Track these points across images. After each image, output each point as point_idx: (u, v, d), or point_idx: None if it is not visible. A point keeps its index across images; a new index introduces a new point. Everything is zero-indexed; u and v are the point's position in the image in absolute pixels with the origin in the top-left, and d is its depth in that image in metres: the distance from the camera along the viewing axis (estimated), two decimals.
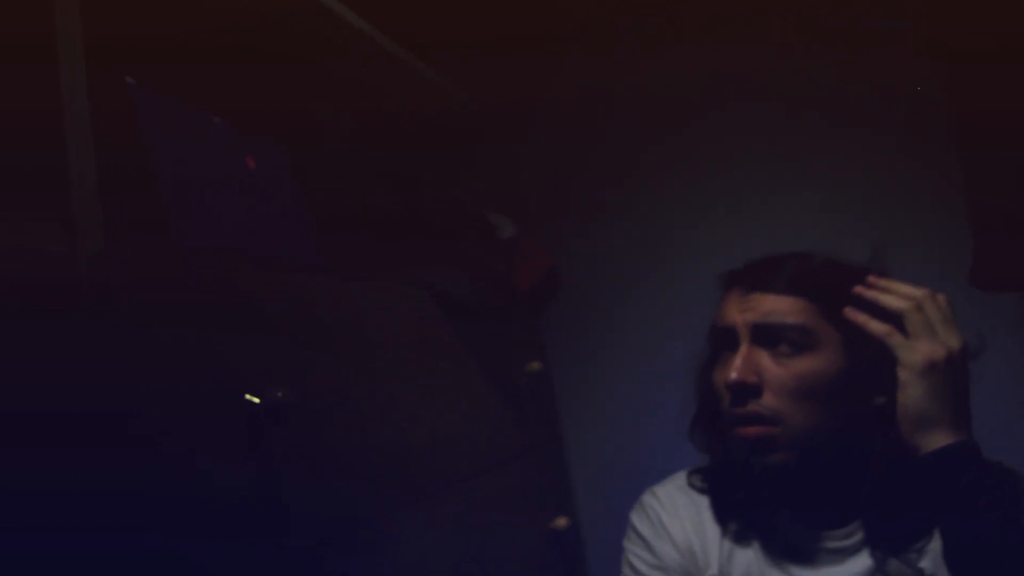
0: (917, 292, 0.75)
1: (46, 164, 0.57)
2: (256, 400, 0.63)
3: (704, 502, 0.91)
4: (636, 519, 0.95)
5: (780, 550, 0.85)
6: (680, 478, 0.95)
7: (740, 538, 0.88)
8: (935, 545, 0.78)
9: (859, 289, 0.78)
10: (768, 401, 0.78)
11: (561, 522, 1.27)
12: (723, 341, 0.84)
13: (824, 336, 0.79)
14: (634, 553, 0.93)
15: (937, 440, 0.72)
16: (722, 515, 0.89)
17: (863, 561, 0.81)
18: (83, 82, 0.60)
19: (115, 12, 0.75)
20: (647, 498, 0.95)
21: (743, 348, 0.81)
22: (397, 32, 1.21)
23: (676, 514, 0.91)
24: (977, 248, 1.14)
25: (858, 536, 0.82)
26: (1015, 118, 1.10)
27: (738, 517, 0.88)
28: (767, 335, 0.80)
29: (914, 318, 0.74)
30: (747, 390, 0.79)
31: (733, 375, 0.79)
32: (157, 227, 0.68)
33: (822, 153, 1.34)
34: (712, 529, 0.89)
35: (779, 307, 0.80)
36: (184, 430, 0.59)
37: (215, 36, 0.94)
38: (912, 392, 0.72)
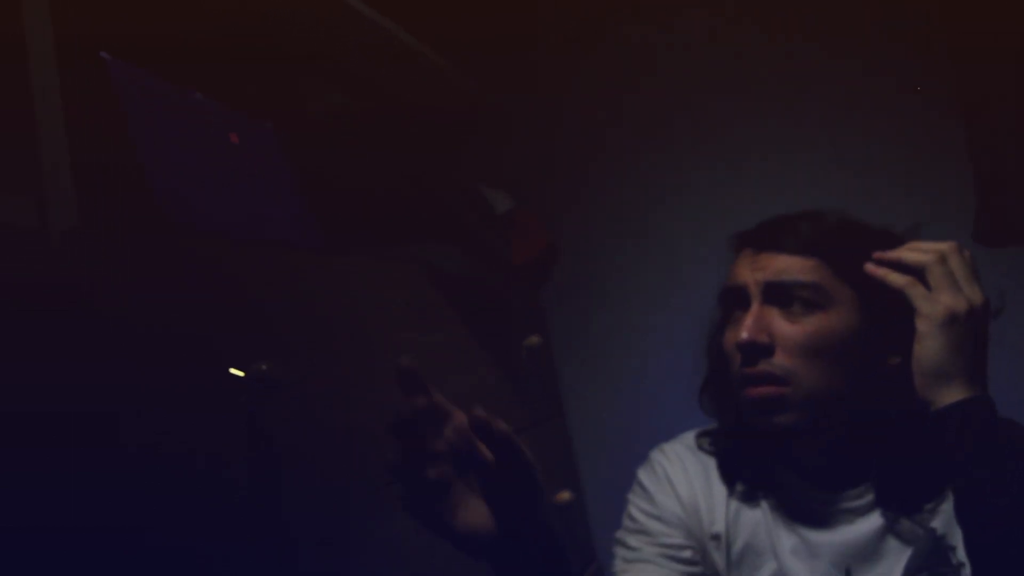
0: (942, 246, 0.73)
1: (16, 140, 0.56)
2: (241, 374, 0.63)
3: (711, 462, 0.90)
4: (642, 473, 0.94)
5: (789, 510, 0.84)
6: (688, 438, 0.94)
7: (747, 498, 0.87)
8: (947, 506, 0.77)
9: (879, 254, 0.77)
10: (780, 360, 0.77)
11: (565, 496, 1.27)
12: (734, 301, 0.83)
13: (838, 295, 0.77)
14: (635, 504, 0.92)
15: (952, 395, 0.70)
16: (729, 475, 0.88)
17: (874, 521, 0.80)
18: (52, 57, 0.58)
19: None
20: (655, 454, 0.95)
21: (754, 307, 0.79)
22: (392, 14, 1.19)
23: (683, 470, 0.91)
24: (981, 205, 1.12)
25: (869, 497, 0.80)
26: (1018, 73, 1.08)
27: (745, 478, 0.87)
28: (779, 294, 0.79)
29: (937, 270, 0.72)
30: (758, 350, 0.77)
31: (744, 334, 0.77)
32: (137, 204, 0.67)
33: (822, 111, 1.32)
34: (719, 489, 0.88)
35: (792, 266, 0.78)
36: (172, 419, 0.58)
37: (198, 18, 0.92)
38: (930, 344, 0.71)
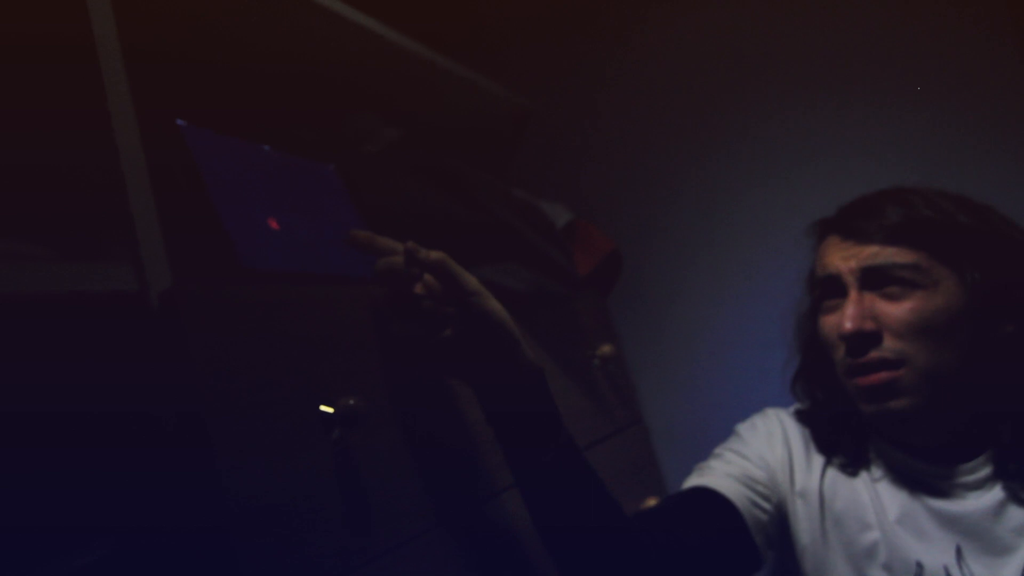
0: None
1: (111, 212, 0.61)
2: (330, 410, 0.66)
3: (809, 433, 0.90)
4: (740, 425, 0.96)
5: (895, 483, 0.83)
6: (790, 410, 0.95)
7: (847, 469, 0.86)
8: None
9: None
10: (889, 344, 0.76)
11: (651, 503, 1.27)
12: (827, 290, 0.82)
13: (936, 273, 0.76)
14: (724, 444, 0.93)
15: None
16: (828, 449, 0.88)
17: (989, 498, 0.77)
18: (136, 130, 0.63)
19: (156, 53, 0.79)
20: (758, 414, 0.96)
21: (852, 294, 0.78)
22: (431, 28, 1.22)
23: (781, 429, 0.91)
24: None
25: (983, 471, 0.78)
26: None
27: (846, 452, 0.86)
28: (876, 277, 0.77)
29: None
30: (865, 338, 0.76)
31: (848, 325, 0.76)
32: (221, 255, 0.72)
33: (881, 95, 1.28)
34: (817, 456, 0.88)
35: (884, 250, 0.77)
36: (269, 466, 0.62)
37: (251, 62, 0.98)
38: None
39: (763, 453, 0.89)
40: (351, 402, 0.66)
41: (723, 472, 0.87)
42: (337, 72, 1.13)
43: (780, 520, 0.87)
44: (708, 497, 0.84)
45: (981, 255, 0.76)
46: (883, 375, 0.76)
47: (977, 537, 0.77)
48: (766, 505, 0.85)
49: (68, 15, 0.63)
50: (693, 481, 0.88)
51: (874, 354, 0.76)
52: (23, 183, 0.62)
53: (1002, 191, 0.87)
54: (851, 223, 0.81)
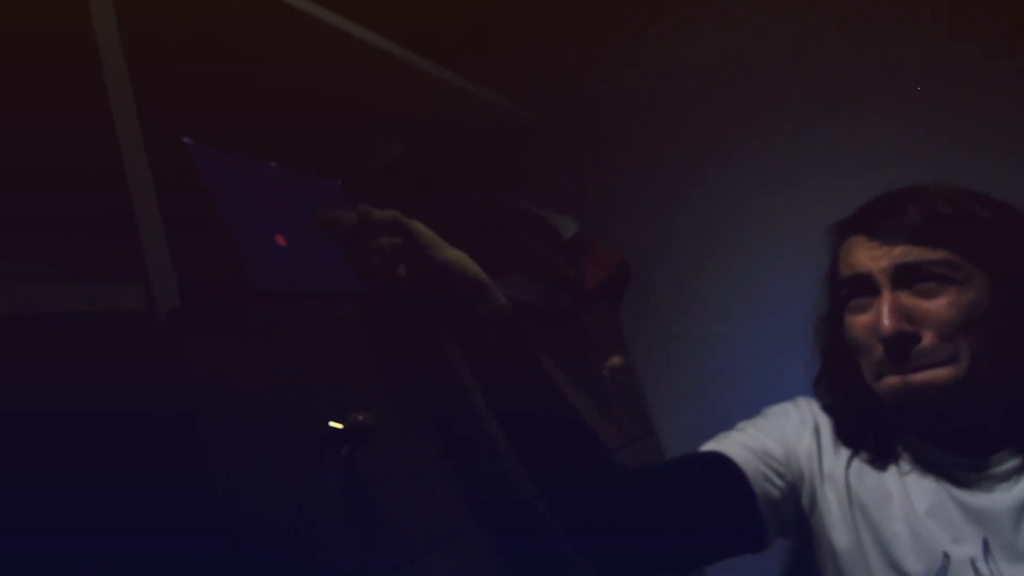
0: None
1: (118, 231, 0.61)
2: (340, 426, 0.65)
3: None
4: (770, 407, 0.96)
5: (923, 473, 0.82)
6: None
7: (874, 461, 0.86)
8: None
9: None
10: (931, 343, 0.75)
11: None
12: (855, 290, 0.81)
13: (968, 269, 0.76)
14: (749, 420, 0.94)
15: None
16: (853, 443, 0.88)
17: (1018, 491, 0.76)
18: (141, 148, 0.63)
19: (163, 73, 0.80)
20: (789, 401, 0.96)
21: (886, 295, 0.77)
22: (436, 41, 1.23)
23: (812, 416, 0.91)
24: None
25: (1012, 463, 0.77)
26: None
27: (871, 448, 0.86)
28: (910, 275, 0.77)
29: None
30: (906, 339, 0.75)
31: (888, 325, 0.75)
32: (229, 272, 0.72)
33: (888, 103, 1.28)
34: (844, 448, 0.88)
35: (915, 250, 0.77)
36: (277, 478, 0.61)
37: (254, 81, 0.98)
38: None
39: (787, 435, 0.89)
40: (360, 418, 0.65)
41: (739, 442, 0.87)
42: (340, 86, 1.13)
43: (796, 505, 0.87)
44: (718, 461, 0.85)
45: (1005, 249, 0.77)
46: (929, 373, 0.75)
47: (1004, 532, 0.76)
48: (779, 482, 0.85)
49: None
50: (707, 447, 0.89)
51: (918, 353, 0.75)
52: (28, 204, 0.62)
53: (1011, 189, 0.87)
54: (876, 223, 0.81)
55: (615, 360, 1.29)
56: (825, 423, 0.90)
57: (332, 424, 0.65)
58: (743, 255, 1.37)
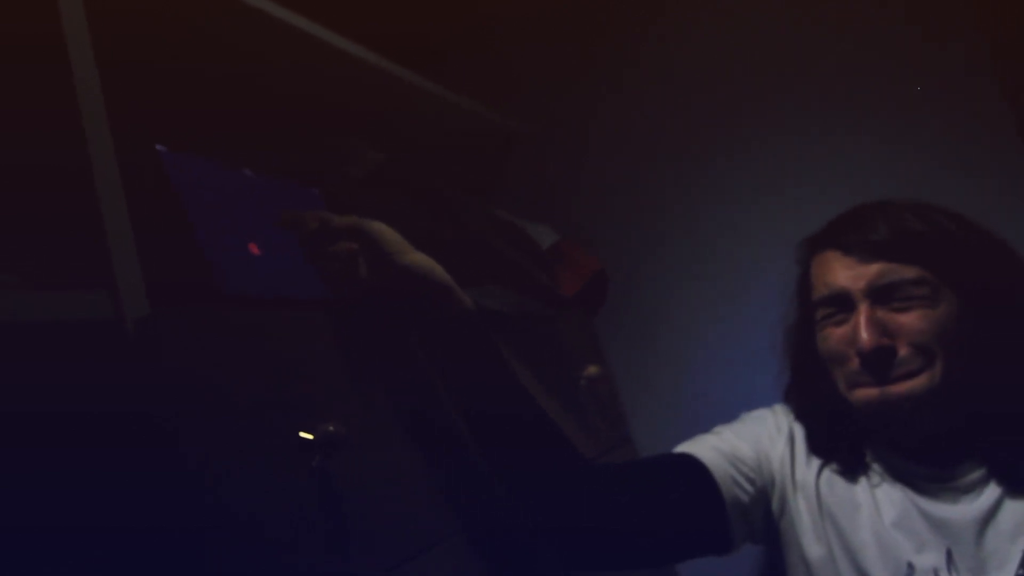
0: None
1: (86, 239, 0.60)
2: (310, 436, 0.65)
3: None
4: (747, 413, 0.97)
5: (890, 484, 0.84)
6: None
7: (844, 473, 0.87)
8: None
9: None
10: (907, 355, 0.77)
11: None
12: (831, 305, 0.83)
13: (938, 285, 0.78)
14: (725, 425, 0.95)
15: None
16: (824, 453, 0.89)
17: (980, 503, 0.78)
18: (112, 156, 0.63)
19: (137, 80, 0.79)
20: (766, 408, 0.97)
21: (864, 309, 0.79)
22: (409, 45, 1.23)
23: (788, 424, 0.92)
24: None
25: (975, 474, 0.79)
26: None
27: (841, 458, 0.88)
28: (887, 294, 0.79)
29: None
30: (884, 352, 0.77)
31: (866, 340, 0.77)
32: (199, 279, 0.71)
33: (865, 115, 1.29)
34: (815, 459, 0.89)
35: (891, 267, 0.79)
36: (248, 485, 0.61)
37: (232, 87, 0.98)
38: None
39: (761, 440, 0.90)
40: (331, 428, 0.65)
41: (712, 445, 0.88)
42: (320, 94, 1.13)
43: (766, 510, 0.88)
44: (687, 462, 0.86)
45: (972, 264, 0.79)
46: (906, 384, 0.77)
47: (967, 543, 0.77)
48: (748, 487, 0.86)
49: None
50: (681, 448, 0.90)
51: (894, 366, 0.77)
52: None
53: (979, 204, 0.89)
54: (849, 239, 0.82)
55: (592, 369, 1.29)
56: (800, 432, 0.92)
57: (302, 435, 0.65)
58: (722, 265, 1.39)
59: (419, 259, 0.75)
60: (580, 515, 0.79)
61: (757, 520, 0.88)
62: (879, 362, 0.77)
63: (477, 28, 1.47)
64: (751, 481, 0.86)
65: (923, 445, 0.82)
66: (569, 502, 0.78)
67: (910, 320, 0.77)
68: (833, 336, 0.83)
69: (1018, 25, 1.14)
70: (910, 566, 0.78)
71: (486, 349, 0.79)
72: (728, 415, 1.01)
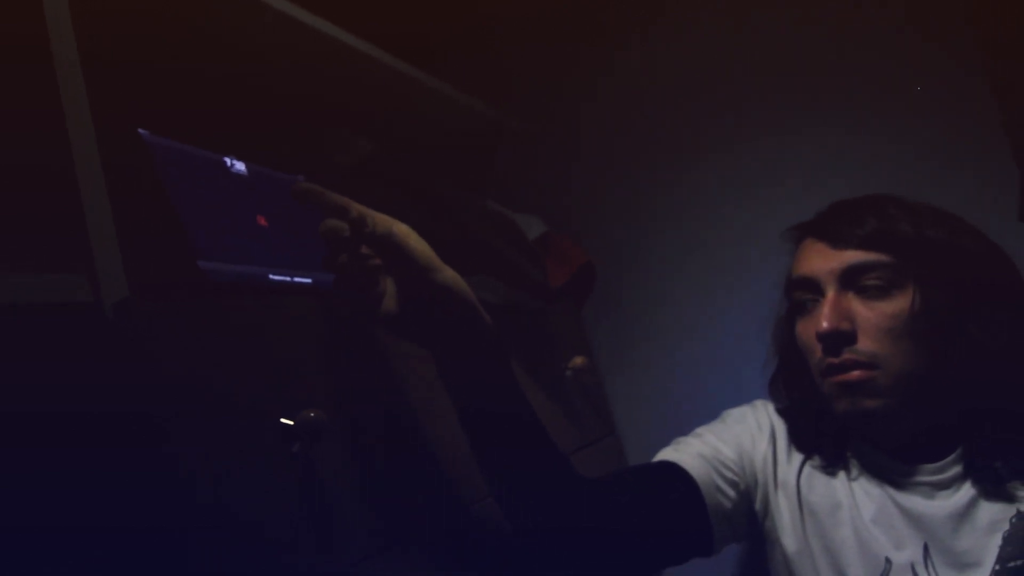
0: None
1: (65, 221, 0.60)
2: (290, 423, 0.65)
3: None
4: (729, 411, 0.97)
5: (869, 480, 0.84)
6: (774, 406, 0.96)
7: (825, 468, 0.88)
8: None
9: None
10: (864, 345, 0.77)
11: None
12: (805, 291, 0.83)
13: (909, 280, 0.78)
14: (707, 426, 0.95)
15: None
16: (805, 448, 0.89)
17: (957, 498, 0.78)
18: (92, 138, 0.62)
19: (120, 62, 0.79)
20: (748, 405, 0.97)
21: (830, 295, 0.79)
22: (404, 39, 1.22)
23: (769, 422, 0.92)
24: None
25: (952, 471, 0.79)
26: None
27: (822, 452, 0.88)
28: (854, 277, 0.79)
29: None
30: (840, 337, 0.78)
31: (824, 323, 0.78)
32: (181, 264, 0.71)
33: (851, 111, 1.30)
34: (796, 453, 0.90)
35: (862, 254, 0.79)
36: (230, 470, 0.61)
37: (218, 74, 0.97)
38: None
39: (743, 442, 0.90)
40: (312, 415, 0.65)
41: (694, 451, 0.88)
42: (310, 84, 1.12)
43: (749, 511, 0.88)
44: (671, 471, 0.85)
45: (949, 263, 0.79)
46: (856, 374, 0.77)
47: (944, 538, 0.78)
48: (731, 492, 0.86)
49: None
50: (663, 455, 0.90)
51: (848, 354, 0.78)
52: None
53: (967, 202, 0.89)
54: (828, 227, 0.83)
55: (578, 360, 1.30)
56: (781, 428, 0.92)
57: (283, 420, 0.65)
58: (710, 258, 1.39)
59: (451, 277, 0.68)
60: (563, 520, 0.76)
61: (740, 523, 0.88)
62: (833, 346, 0.78)
63: (468, 27, 1.46)
64: (734, 485, 0.87)
65: (900, 441, 0.83)
66: (553, 507, 0.76)
67: (873, 313, 0.77)
68: (804, 326, 0.84)
69: (1009, 22, 1.14)
70: (888, 561, 0.79)
71: (502, 375, 0.73)
72: (713, 406, 1.01)
